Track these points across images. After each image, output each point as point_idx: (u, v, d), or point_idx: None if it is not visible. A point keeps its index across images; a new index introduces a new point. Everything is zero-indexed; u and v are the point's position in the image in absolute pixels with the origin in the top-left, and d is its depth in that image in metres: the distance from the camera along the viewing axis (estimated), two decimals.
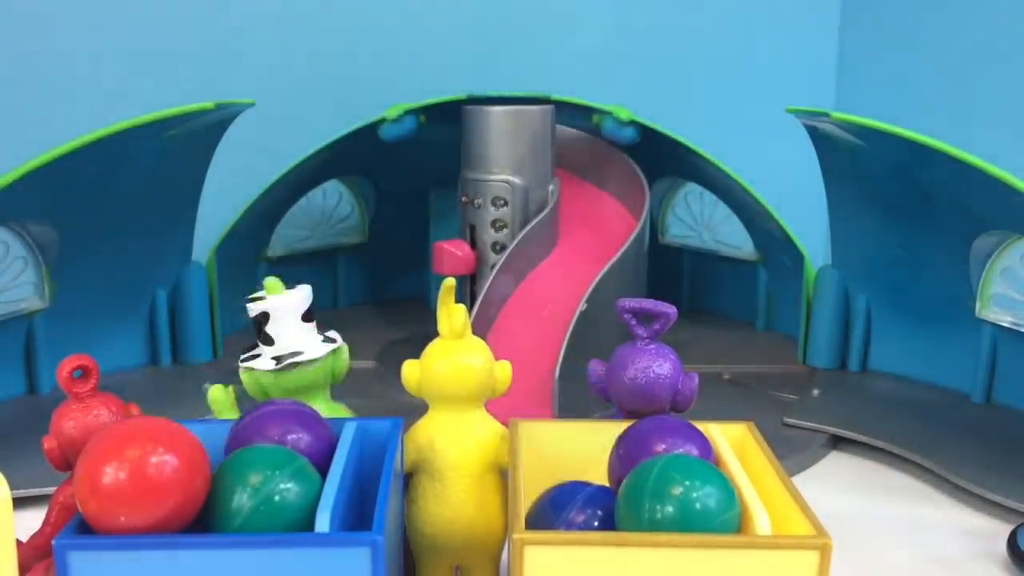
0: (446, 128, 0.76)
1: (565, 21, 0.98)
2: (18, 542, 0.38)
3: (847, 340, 0.77)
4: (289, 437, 0.36)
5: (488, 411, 0.44)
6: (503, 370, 0.43)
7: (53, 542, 0.30)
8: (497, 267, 0.69)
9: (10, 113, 0.83)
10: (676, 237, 0.94)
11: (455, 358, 0.41)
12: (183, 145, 0.71)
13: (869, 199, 0.73)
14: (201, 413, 0.51)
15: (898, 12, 0.96)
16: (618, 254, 0.70)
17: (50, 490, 0.42)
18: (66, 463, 0.40)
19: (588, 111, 0.79)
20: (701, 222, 0.93)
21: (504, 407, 0.51)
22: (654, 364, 0.43)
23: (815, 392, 0.72)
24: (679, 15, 1.00)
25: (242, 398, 0.46)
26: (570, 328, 0.64)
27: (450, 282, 0.42)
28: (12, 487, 0.53)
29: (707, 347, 0.83)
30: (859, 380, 0.76)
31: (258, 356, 0.44)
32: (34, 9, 0.84)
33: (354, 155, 0.85)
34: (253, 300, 0.45)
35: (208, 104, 0.67)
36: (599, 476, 0.39)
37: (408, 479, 0.43)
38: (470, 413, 0.42)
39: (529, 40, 0.97)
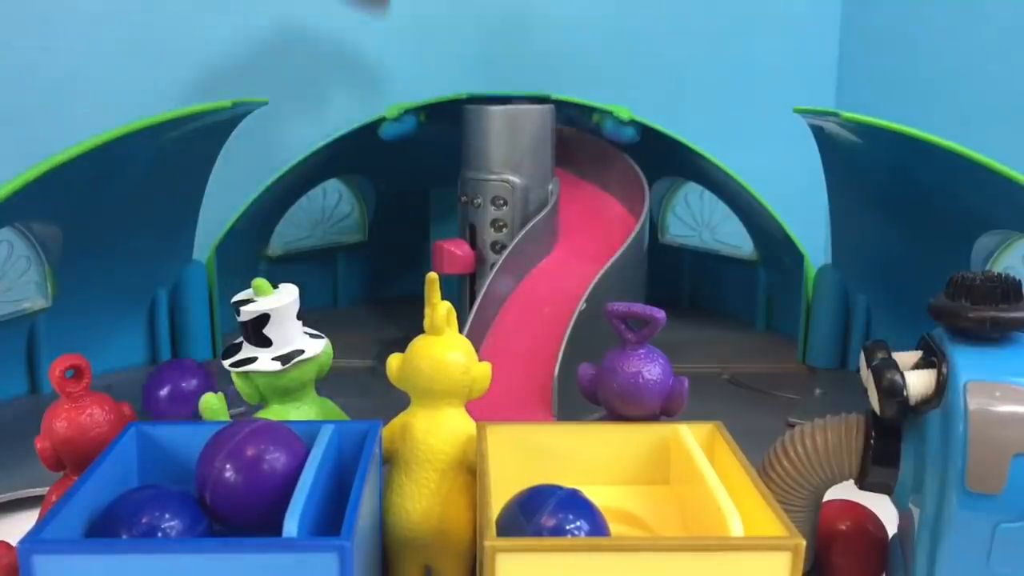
0: (446, 128, 0.76)
1: (565, 21, 0.98)
2: (8, 544, 0.38)
3: (847, 340, 0.77)
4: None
5: (485, 410, 0.44)
6: (482, 371, 0.42)
7: (16, 544, 0.30)
8: (497, 266, 0.69)
9: (10, 112, 0.83)
10: (676, 237, 0.94)
11: (434, 353, 0.42)
12: (187, 145, 0.71)
13: (869, 199, 0.73)
14: None
15: (898, 12, 0.95)
16: (617, 254, 0.70)
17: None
18: (59, 463, 0.40)
19: (588, 111, 0.79)
20: (701, 222, 0.92)
21: (502, 406, 0.51)
22: (644, 368, 0.42)
23: (817, 392, 0.72)
24: (679, 15, 1.00)
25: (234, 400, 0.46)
26: (569, 327, 0.64)
27: (433, 276, 0.42)
28: (13, 487, 0.54)
29: (707, 347, 0.83)
30: (859, 380, 0.75)
31: (254, 359, 0.44)
32: (39, 9, 0.84)
33: (354, 154, 0.85)
34: (243, 303, 0.44)
35: (225, 103, 0.67)
36: (571, 479, 0.38)
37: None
38: (446, 410, 0.42)
39: (529, 40, 0.97)
